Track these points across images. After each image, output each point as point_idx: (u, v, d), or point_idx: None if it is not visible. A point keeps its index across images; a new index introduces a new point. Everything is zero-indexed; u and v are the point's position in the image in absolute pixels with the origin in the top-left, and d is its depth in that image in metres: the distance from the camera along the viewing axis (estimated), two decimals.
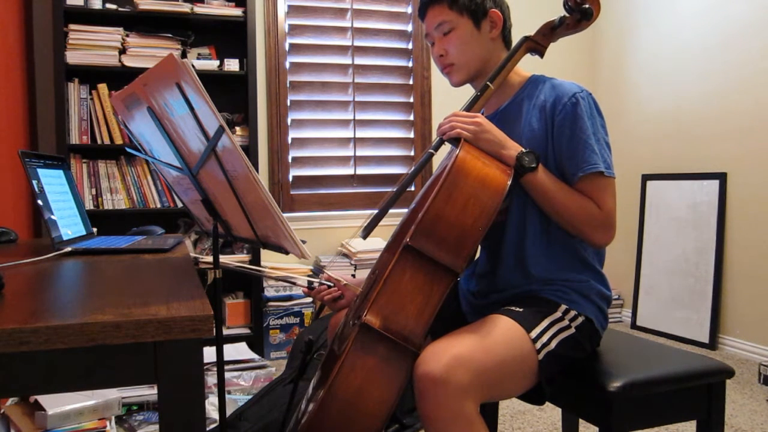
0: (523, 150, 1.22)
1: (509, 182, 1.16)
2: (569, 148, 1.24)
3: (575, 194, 1.24)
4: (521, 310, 1.20)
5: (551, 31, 1.36)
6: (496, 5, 1.35)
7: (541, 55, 1.38)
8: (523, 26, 1.43)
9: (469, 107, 1.31)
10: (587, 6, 1.32)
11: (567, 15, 1.35)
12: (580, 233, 1.25)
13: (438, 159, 1.42)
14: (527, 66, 1.37)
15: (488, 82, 1.31)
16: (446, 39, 1.36)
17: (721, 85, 2.99)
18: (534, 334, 1.16)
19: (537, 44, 1.36)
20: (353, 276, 1.53)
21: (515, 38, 1.39)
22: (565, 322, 1.22)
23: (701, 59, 3.10)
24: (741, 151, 2.90)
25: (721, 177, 2.98)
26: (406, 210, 1.50)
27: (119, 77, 2.68)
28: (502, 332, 1.15)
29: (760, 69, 2.79)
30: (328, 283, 1.48)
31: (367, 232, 1.25)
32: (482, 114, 1.35)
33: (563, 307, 1.24)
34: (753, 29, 2.83)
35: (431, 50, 1.41)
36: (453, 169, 1.14)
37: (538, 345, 1.16)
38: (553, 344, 1.18)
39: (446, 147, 1.32)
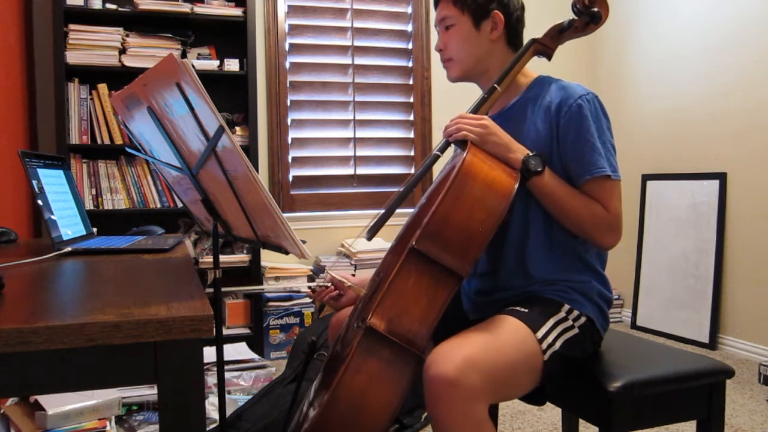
0: (530, 153, 1.21)
1: (516, 186, 1.15)
2: (575, 150, 1.24)
3: (582, 196, 1.24)
4: (526, 310, 1.20)
5: (559, 34, 1.35)
6: (501, 7, 1.34)
7: (549, 58, 1.37)
8: (530, 28, 1.42)
9: (476, 109, 1.30)
10: (596, 9, 1.31)
11: (575, 18, 1.34)
12: (586, 235, 1.25)
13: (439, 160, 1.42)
14: (531, 66, 1.36)
15: (495, 85, 1.31)
16: (448, 34, 1.37)
17: (721, 85, 2.99)
18: (540, 334, 1.16)
19: (544, 47, 1.35)
20: (353, 276, 1.53)
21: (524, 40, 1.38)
22: (569, 322, 1.22)
23: (701, 59, 3.10)
24: (741, 151, 2.90)
25: (721, 177, 2.98)
26: (407, 210, 1.50)
27: (119, 77, 2.68)
28: (511, 333, 1.15)
29: (760, 69, 2.79)
30: (328, 284, 1.47)
31: (372, 233, 1.25)
32: (487, 115, 1.35)
33: (566, 306, 1.24)
34: (753, 29, 2.83)
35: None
36: (460, 172, 1.13)
37: (544, 345, 1.16)
38: (558, 344, 1.18)
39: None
